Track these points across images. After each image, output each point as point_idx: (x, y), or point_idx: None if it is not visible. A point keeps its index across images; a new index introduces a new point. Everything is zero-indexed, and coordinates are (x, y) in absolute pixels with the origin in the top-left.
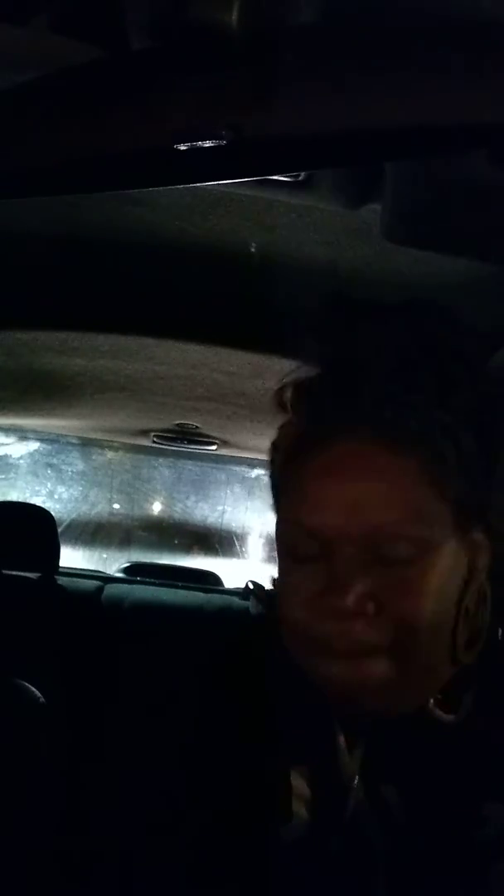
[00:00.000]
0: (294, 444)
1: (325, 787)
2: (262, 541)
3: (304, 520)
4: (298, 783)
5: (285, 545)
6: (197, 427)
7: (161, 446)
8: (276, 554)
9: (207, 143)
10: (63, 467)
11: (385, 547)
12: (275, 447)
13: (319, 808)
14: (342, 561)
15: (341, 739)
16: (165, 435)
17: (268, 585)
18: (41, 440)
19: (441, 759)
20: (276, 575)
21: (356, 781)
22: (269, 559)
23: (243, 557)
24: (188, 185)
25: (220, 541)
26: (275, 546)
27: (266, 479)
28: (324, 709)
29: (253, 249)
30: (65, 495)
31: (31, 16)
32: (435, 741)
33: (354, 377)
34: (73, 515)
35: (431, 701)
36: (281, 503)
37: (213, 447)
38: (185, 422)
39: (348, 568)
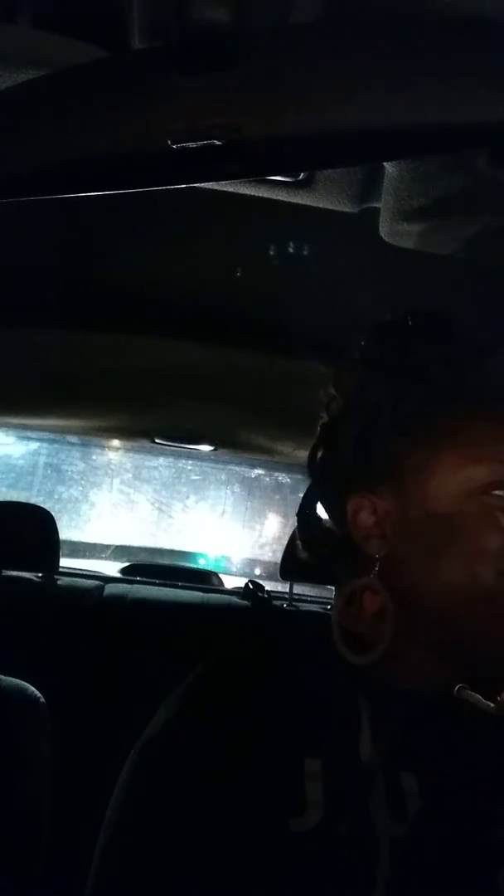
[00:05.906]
0: (456, 412)
1: (340, 779)
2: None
3: None
4: (311, 776)
5: (481, 481)
6: (197, 427)
7: (161, 446)
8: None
9: (207, 143)
10: (63, 467)
11: None
12: (422, 416)
13: (332, 799)
14: None
15: (366, 729)
16: (165, 435)
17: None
18: (41, 440)
19: (467, 752)
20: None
21: (377, 769)
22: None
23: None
24: (188, 185)
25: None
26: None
27: (266, 479)
28: (348, 700)
29: (254, 250)
30: (65, 495)
31: (17, 13)
32: (465, 732)
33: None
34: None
35: (465, 687)
36: (459, 450)
37: (213, 447)
38: (185, 422)
39: None
